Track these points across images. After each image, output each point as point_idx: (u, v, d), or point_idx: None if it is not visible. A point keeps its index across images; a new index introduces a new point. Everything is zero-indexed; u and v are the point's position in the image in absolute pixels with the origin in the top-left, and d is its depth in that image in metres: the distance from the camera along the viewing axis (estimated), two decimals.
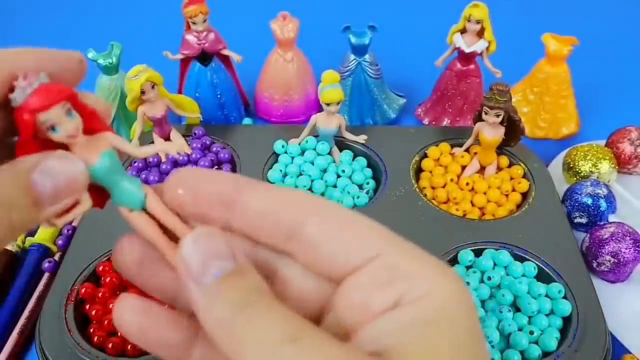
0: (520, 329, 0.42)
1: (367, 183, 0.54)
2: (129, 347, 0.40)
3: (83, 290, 0.43)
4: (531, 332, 0.41)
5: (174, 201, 0.20)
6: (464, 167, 0.55)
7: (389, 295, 0.17)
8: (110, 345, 0.40)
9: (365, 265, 0.17)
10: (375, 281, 0.17)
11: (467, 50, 0.60)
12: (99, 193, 0.21)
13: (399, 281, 0.17)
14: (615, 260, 0.47)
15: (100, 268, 0.45)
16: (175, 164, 0.55)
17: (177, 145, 0.33)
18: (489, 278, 0.45)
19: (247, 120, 0.65)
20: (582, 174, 0.55)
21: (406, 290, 0.17)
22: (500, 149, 0.55)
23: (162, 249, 0.21)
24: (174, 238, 0.20)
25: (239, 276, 0.17)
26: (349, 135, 0.56)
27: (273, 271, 0.20)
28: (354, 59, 0.62)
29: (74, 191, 0.19)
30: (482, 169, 0.55)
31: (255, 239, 0.19)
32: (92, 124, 0.21)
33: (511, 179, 0.55)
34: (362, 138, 0.56)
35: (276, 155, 0.57)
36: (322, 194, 0.53)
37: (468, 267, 0.46)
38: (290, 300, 0.19)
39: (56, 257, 0.50)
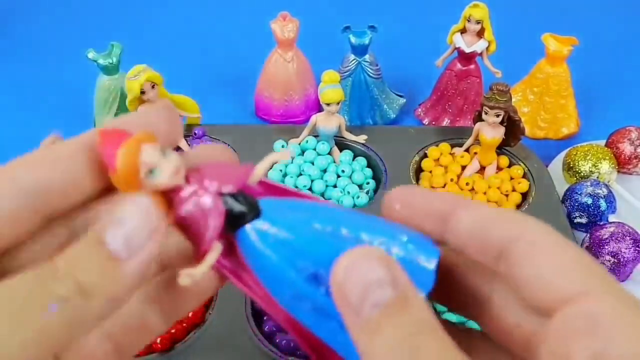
0: None
1: (367, 183, 0.54)
2: None
3: None
4: None
5: (391, 216, 0.20)
6: (464, 167, 0.55)
7: (590, 347, 0.15)
8: None
9: (570, 304, 0.15)
10: (578, 327, 0.15)
11: (467, 50, 0.60)
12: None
13: (601, 331, 0.15)
14: (615, 260, 0.47)
15: None
16: None
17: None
18: None
19: None
20: (582, 174, 0.55)
21: (607, 346, 0.15)
22: (500, 149, 0.55)
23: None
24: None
25: (403, 307, 0.15)
26: (349, 135, 0.56)
27: (486, 297, 0.19)
28: (354, 59, 0.62)
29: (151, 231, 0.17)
30: (482, 169, 0.55)
31: (468, 256, 0.19)
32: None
33: (511, 179, 0.55)
34: (362, 138, 0.56)
35: None
36: (322, 194, 0.53)
37: None
38: (497, 332, 0.18)
39: None
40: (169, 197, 0.18)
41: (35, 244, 0.18)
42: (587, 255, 0.17)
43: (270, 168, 0.44)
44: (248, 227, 0.18)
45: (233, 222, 0.18)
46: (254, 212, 0.19)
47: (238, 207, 0.18)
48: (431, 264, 0.18)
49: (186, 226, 0.18)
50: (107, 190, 0.18)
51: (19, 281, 0.15)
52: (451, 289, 0.20)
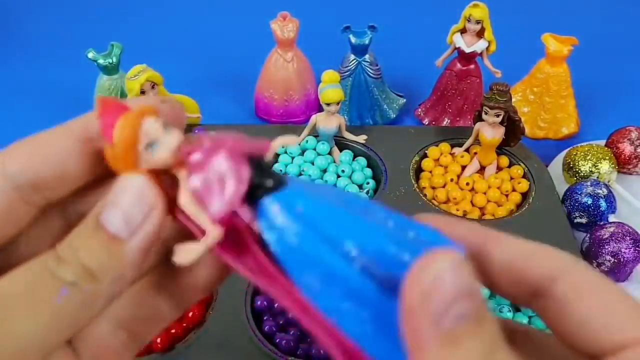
0: None
1: (367, 183, 0.54)
2: None
3: None
4: None
5: None
6: (464, 167, 0.55)
7: None
8: None
9: (621, 351, 0.15)
10: None
11: (467, 50, 0.60)
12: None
13: None
14: (615, 260, 0.47)
15: None
16: None
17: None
18: None
19: None
20: (582, 174, 0.55)
21: None
22: (500, 149, 0.55)
23: None
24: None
25: (481, 321, 0.14)
26: (349, 135, 0.56)
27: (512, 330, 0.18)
28: (354, 59, 0.62)
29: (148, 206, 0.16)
30: (482, 169, 0.55)
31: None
32: None
33: (511, 179, 0.55)
34: (362, 138, 0.56)
35: (276, 155, 0.57)
36: None
37: None
38: None
39: None
40: (166, 177, 0.17)
41: (33, 235, 0.17)
42: (632, 298, 0.16)
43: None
44: (271, 198, 0.16)
45: (253, 192, 0.16)
46: (278, 182, 0.17)
47: (264, 174, 0.16)
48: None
49: (191, 206, 0.17)
50: (102, 178, 0.18)
51: (26, 271, 0.15)
52: None
